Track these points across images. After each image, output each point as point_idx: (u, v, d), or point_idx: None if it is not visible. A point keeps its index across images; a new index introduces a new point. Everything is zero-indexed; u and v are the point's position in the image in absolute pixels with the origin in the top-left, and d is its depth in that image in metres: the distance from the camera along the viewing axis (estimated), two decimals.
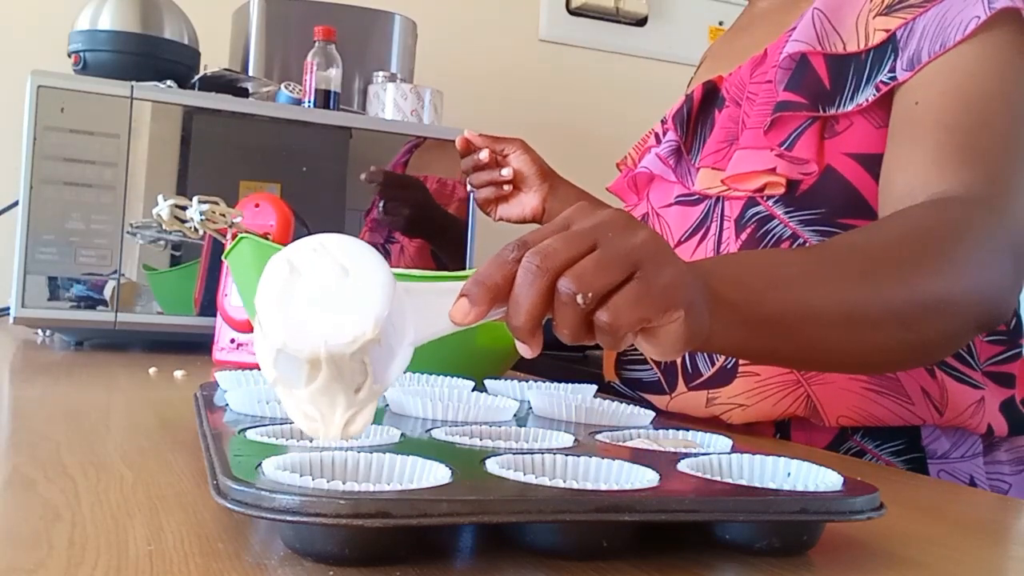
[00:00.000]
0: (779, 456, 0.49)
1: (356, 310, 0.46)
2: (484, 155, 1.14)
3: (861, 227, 0.72)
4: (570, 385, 0.74)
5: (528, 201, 1.17)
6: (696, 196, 0.92)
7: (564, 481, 0.41)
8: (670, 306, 0.48)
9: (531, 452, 0.48)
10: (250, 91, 1.39)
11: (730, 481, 0.45)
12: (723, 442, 0.56)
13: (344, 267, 0.46)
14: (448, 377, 0.74)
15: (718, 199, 0.89)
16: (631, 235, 0.48)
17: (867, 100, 0.80)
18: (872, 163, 0.81)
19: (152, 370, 0.99)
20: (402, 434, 0.52)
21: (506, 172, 1.14)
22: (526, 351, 0.49)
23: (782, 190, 0.83)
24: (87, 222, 1.20)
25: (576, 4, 2.18)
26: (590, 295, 0.46)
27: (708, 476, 0.46)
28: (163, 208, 1.02)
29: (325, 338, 0.45)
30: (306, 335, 0.45)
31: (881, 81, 0.79)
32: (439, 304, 0.48)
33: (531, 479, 0.42)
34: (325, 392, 0.47)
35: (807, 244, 0.82)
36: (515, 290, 0.47)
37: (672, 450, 0.52)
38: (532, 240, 0.48)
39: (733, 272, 0.58)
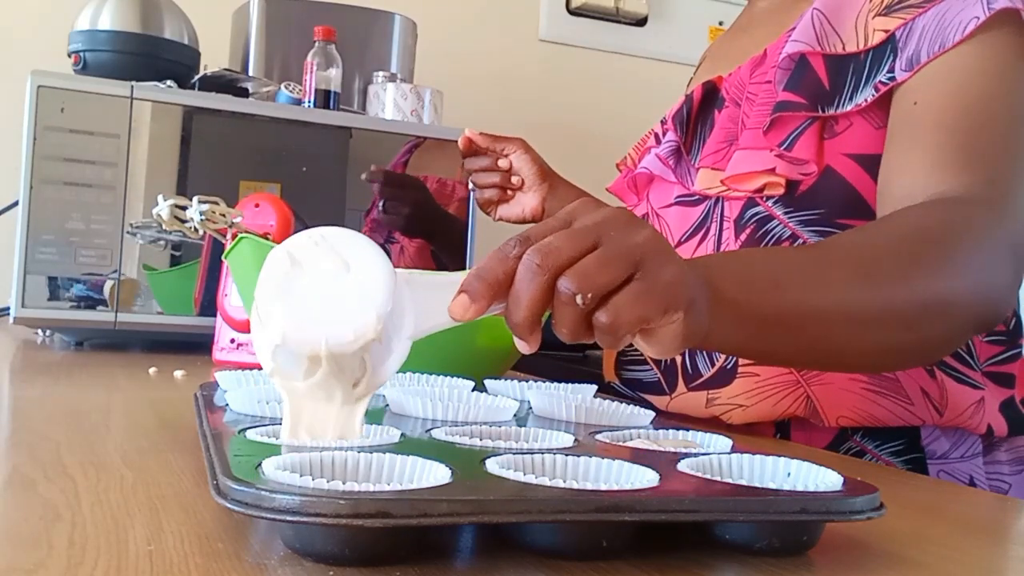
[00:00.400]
0: (779, 456, 0.49)
1: (358, 307, 0.46)
2: (503, 163, 1.15)
3: (862, 226, 0.72)
4: (570, 385, 0.74)
5: (528, 201, 1.17)
6: (696, 196, 0.92)
7: (564, 481, 0.41)
8: (670, 307, 0.48)
9: (531, 452, 0.48)
10: (250, 91, 1.39)
11: (730, 481, 0.45)
12: (723, 442, 0.56)
13: (346, 262, 0.46)
14: (448, 377, 0.74)
15: (718, 199, 0.89)
16: (633, 233, 0.48)
17: (866, 100, 0.80)
18: (871, 164, 0.81)
19: (152, 370, 0.99)
20: (402, 434, 0.52)
21: (516, 179, 1.15)
22: (524, 347, 0.49)
23: (781, 190, 0.83)
24: (87, 222, 1.20)
25: (576, 4, 2.18)
26: (590, 296, 0.46)
27: (708, 476, 0.46)
28: (163, 208, 1.02)
29: (326, 336, 0.45)
30: (307, 332, 0.45)
31: (880, 81, 0.79)
32: (439, 298, 0.48)
33: (531, 479, 0.42)
34: (323, 386, 0.47)
35: (807, 243, 0.82)
36: (515, 287, 0.47)
37: (672, 450, 0.52)
38: (534, 236, 0.48)
39: (735, 270, 0.58)
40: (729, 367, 0.86)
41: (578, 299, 0.45)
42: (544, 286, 0.46)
